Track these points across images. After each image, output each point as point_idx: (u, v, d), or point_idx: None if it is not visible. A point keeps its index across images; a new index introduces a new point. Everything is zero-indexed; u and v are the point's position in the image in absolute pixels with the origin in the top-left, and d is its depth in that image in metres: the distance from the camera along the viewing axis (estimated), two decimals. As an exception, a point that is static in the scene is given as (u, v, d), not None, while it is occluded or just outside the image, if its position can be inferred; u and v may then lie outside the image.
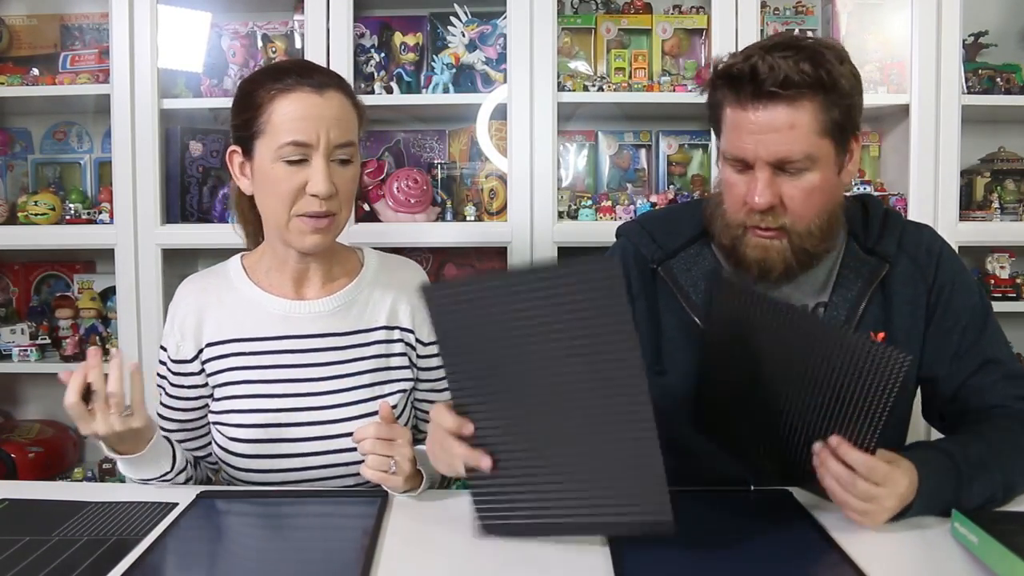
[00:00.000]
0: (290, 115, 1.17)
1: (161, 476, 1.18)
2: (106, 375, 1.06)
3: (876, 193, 2.10)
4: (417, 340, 1.33)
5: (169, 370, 1.30)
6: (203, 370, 1.29)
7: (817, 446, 0.98)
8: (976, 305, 1.23)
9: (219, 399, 1.28)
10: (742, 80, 1.09)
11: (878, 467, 0.95)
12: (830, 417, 0.97)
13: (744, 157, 1.11)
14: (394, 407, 1.24)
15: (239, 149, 1.24)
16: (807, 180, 1.11)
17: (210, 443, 1.32)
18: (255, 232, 1.35)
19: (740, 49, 1.15)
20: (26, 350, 2.16)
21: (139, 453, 1.12)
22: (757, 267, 1.15)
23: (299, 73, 1.21)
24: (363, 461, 1.23)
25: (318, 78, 1.21)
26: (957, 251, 1.94)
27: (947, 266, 1.24)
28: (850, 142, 1.15)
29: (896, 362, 0.90)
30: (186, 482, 1.24)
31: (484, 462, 0.95)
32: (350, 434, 1.22)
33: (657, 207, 2.04)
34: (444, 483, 1.30)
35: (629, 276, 1.28)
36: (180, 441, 1.32)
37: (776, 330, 1.00)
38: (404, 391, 1.31)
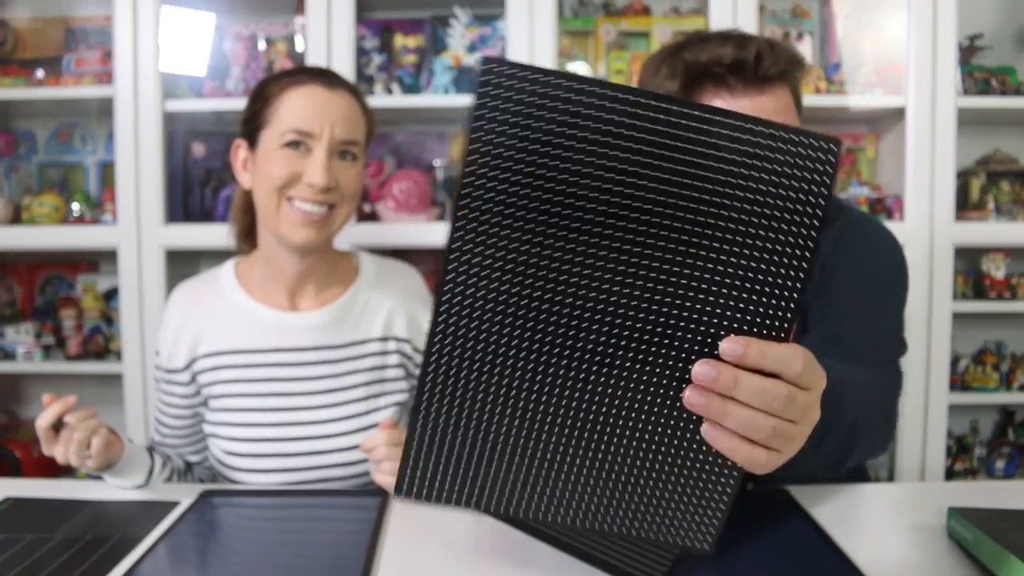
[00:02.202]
0: (297, 105, 1.19)
1: (133, 487, 1.19)
2: (85, 419, 1.08)
3: (873, 195, 2.11)
4: (414, 349, 1.32)
5: (161, 377, 1.31)
6: (194, 380, 1.28)
7: (706, 370, 0.59)
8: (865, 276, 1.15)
9: (213, 410, 1.28)
10: (742, 68, 1.03)
11: (811, 359, 0.61)
12: (721, 310, 0.59)
13: None
14: None
15: (244, 143, 1.24)
16: None
17: (205, 449, 1.32)
18: (245, 235, 1.35)
19: (672, 53, 1.10)
20: (30, 350, 2.18)
21: (102, 471, 1.14)
22: None
23: (314, 72, 1.24)
24: (360, 475, 1.25)
25: (331, 77, 1.23)
26: (953, 252, 2.00)
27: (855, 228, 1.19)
28: None
29: (825, 152, 0.56)
30: (166, 481, 1.25)
31: None
32: (344, 449, 1.24)
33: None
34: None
35: None
36: (175, 446, 1.33)
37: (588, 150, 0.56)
38: (400, 404, 1.31)
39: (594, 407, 0.63)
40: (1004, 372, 2.18)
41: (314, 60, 2.00)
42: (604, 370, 0.61)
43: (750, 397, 0.59)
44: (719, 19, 1.99)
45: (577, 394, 0.62)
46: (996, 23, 2.21)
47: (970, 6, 2.10)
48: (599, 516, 0.68)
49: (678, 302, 0.59)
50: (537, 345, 0.61)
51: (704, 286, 0.59)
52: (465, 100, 2.09)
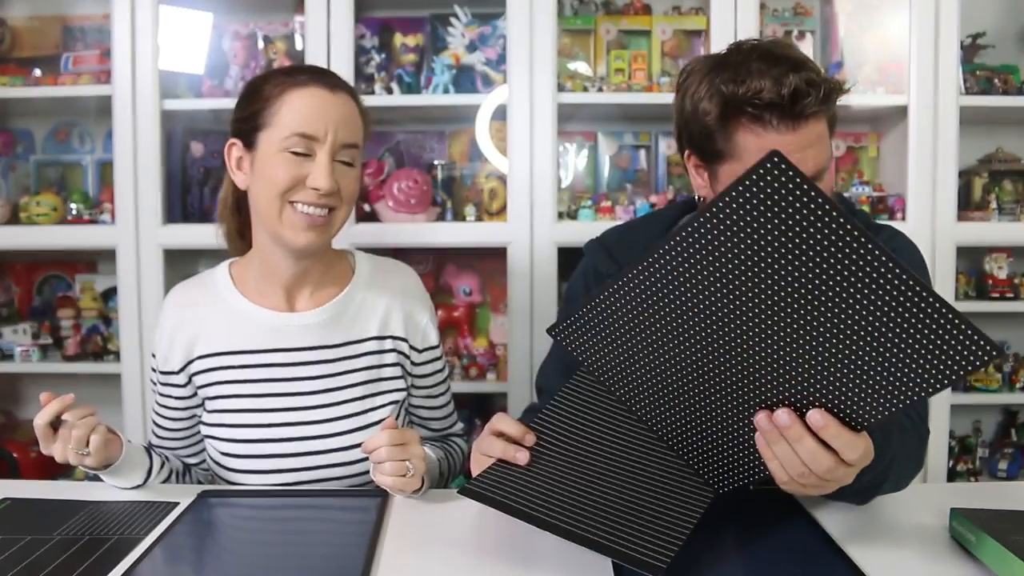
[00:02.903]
0: (300, 108, 1.17)
1: (132, 487, 1.18)
2: (84, 417, 1.08)
3: (874, 194, 2.11)
4: (411, 347, 1.31)
5: (158, 380, 1.30)
6: (190, 382, 1.27)
7: (784, 417, 0.80)
8: None
9: (210, 411, 1.27)
10: (779, 105, 1.05)
11: (868, 449, 0.81)
12: (830, 388, 0.79)
13: None
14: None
15: (239, 142, 1.22)
16: (827, 179, 1.12)
17: (203, 450, 1.31)
18: (236, 235, 1.34)
19: (710, 71, 1.11)
20: (28, 350, 2.17)
21: (100, 471, 1.13)
22: None
23: (312, 72, 1.22)
24: (359, 475, 1.24)
25: (331, 79, 1.22)
26: (955, 251, 1.99)
27: None
28: None
29: (979, 353, 0.71)
30: (164, 482, 1.24)
31: (521, 457, 0.97)
32: (341, 448, 1.23)
33: (656, 207, 2.06)
34: (443, 482, 1.31)
35: (590, 292, 1.30)
36: (172, 448, 1.32)
37: (816, 253, 0.73)
38: (396, 402, 1.30)
39: (719, 380, 0.86)
40: (1007, 372, 2.18)
41: (313, 59, 1.99)
42: (742, 368, 0.83)
43: (802, 453, 0.79)
44: (720, 18, 1.98)
45: (717, 363, 0.85)
46: (998, 22, 2.20)
47: (972, 5, 2.10)
48: (684, 445, 0.96)
49: (806, 366, 0.78)
50: (712, 322, 0.82)
51: (828, 371, 0.77)
52: (465, 99, 2.10)
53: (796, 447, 0.79)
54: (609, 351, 0.95)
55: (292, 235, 1.19)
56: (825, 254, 0.72)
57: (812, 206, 0.70)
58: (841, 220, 0.70)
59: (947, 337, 0.71)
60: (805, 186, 0.70)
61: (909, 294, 0.71)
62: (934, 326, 0.71)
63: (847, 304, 0.73)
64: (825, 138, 1.10)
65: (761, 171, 0.70)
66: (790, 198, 0.71)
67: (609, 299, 0.89)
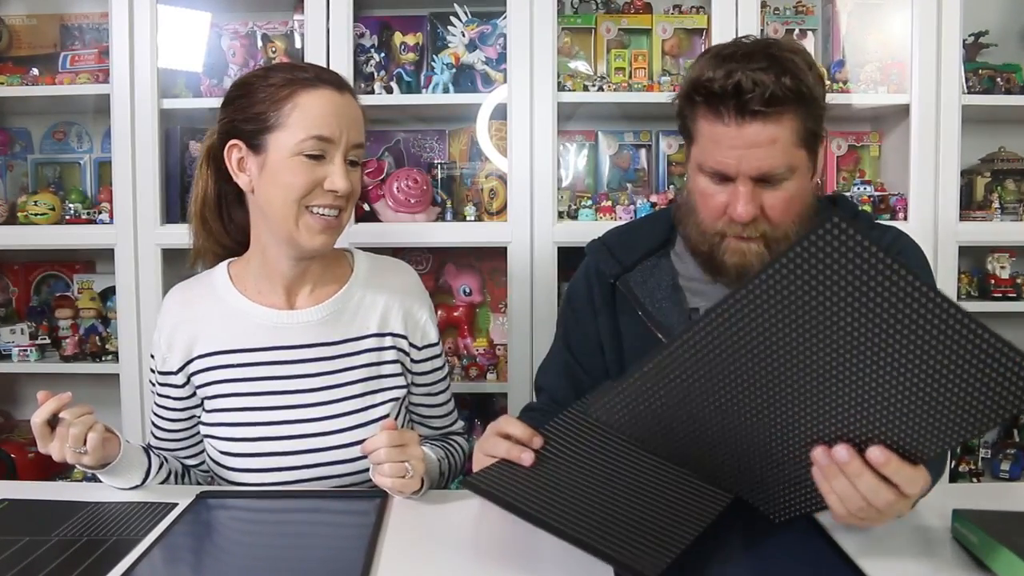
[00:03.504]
0: (314, 111, 1.16)
1: (130, 487, 1.17)
2: (81, 415, 1.07)
3: (876, 193, 2.10)
4: (411, 345, 1.31)
5: (156, 380, 1.29)
6: (189, 382, 1.27)
7: (843, 453, 0.81)
8: None
9: (209, 411, 1.27)
10: (724, 97, 1.07)
11: (927, 480, 0.84)
12: (890, 426, 0.81)
13: (726, 172, 1.11)
14: (385, 416, 1.24)
15: (241, 143, 1.20)
16: (786, 189, 1.12)
17: (202, 451, 1.31)
18: (219, 234, 1.32)
19: (710, 56, 1.12)
20: (26, 350, 2.16)
21: (98, 470, 1.13)
22: (735, 271, 1.16)
23: (315, 70, 1.21)
24: (359, 472, 1.23)
25: (335, 78, 1.22)
26: (957, 251, 1.99)
27: None
28: (819, 145, 1.16)
29: None
30: (162, 482, 1.24)
31: (525, 458, 0.97)
32: (341, 446, 1.23)
33: (657, 206, 2.05)
34: (443, 482, 1.30)
35: (592, 293, 1.31)
36: (171, 449, 1.32)
37: (871, 302, 0.74)
38: (396, 399, 1.29)
39: (774, 428, 0.87)
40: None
41: (312, 58, 1.98)
42: (797, 415, 0.84)
43: (862, 488, 0.81)
44: (721, 16, 1.98)
45: (771, 415, 0.85)
46: (1001, 20, 2.20)
47: (975, 3, 2.09)
48: (737, 486, 0.97)
49: (866, 409, 0.79)
50: (767, 382, 0.83)
51: (889, 412, 0.78)
52: (465, 98, 2.09)
53: (856, 482, 0.81)
54: (652, 420, 0.94)
55: (308, 238, 1.19)
56: (886, 304, 0.73)
57: (873, 260, 0.71)
58: (903, 272, 0.70)
59: (1009, 375, 0.73)
60: (866, 243, 0.70)
61: (971, 336, 0.71)
62: (995, 364, 0.72)
63: (911, 351, 0.74)
64: (781, 145, 1.09)
65: (820, 231, 0.71)
66: (850, 255, 0.71)
67: (654, 371, 0.87)
